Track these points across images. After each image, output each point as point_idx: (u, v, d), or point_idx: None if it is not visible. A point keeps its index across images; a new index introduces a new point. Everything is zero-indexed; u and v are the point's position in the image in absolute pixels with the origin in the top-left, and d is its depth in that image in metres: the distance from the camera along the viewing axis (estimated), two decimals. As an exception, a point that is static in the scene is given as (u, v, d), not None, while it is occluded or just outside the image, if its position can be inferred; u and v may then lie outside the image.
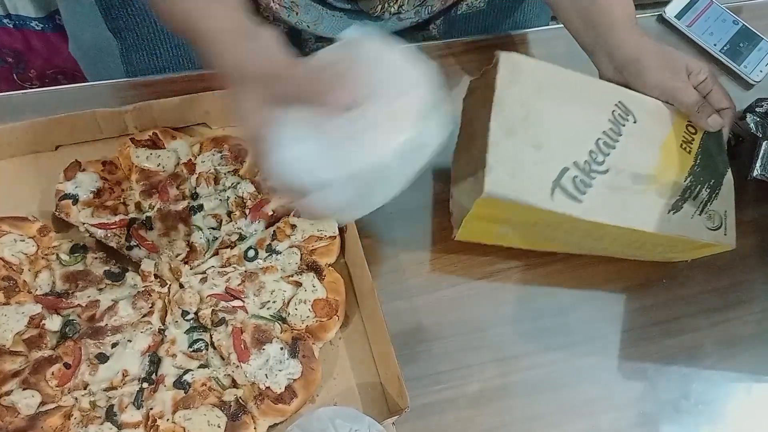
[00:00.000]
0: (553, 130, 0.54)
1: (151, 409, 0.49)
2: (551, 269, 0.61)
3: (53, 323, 0.51)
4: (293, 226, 0.57)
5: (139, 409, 0.49)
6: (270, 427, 0.51)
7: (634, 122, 0.57)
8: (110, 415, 0.48)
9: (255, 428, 0.50)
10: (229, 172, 0.59)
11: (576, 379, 0.57)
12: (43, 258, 0.54)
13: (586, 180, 0.53)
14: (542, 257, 0.61)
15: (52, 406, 0.48)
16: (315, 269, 0.56)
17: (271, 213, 0.58)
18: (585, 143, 0.54)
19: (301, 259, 0.56)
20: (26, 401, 0.48)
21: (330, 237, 0.57)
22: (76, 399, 0.49)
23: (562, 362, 0.58)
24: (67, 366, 0.50)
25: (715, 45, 0.76)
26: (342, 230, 0.58)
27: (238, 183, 0.58)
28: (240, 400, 0.50)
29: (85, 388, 0.50)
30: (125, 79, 0.66)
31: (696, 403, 0.57)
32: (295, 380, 0.51)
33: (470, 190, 0.54)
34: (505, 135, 0.52)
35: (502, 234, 0.58)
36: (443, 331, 0.58)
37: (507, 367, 0.57)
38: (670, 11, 0.78)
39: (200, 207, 0.57)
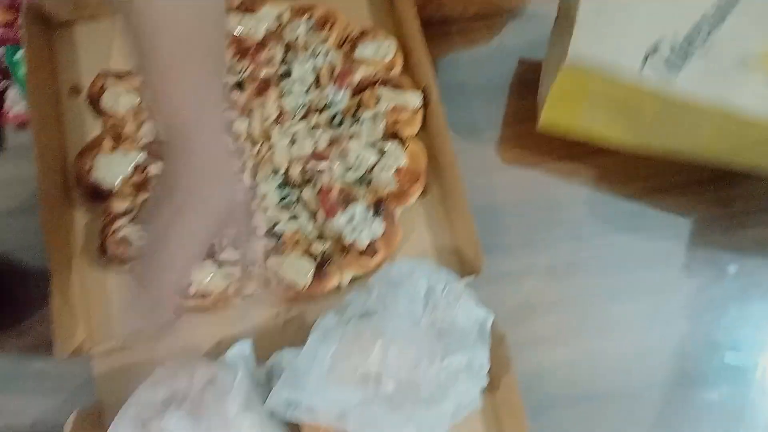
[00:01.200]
0: None
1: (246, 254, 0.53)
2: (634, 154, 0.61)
3: (157, 169, 0.55)
4: (378, 96, 0.58)
5: (236, 249, 0.53)
6: (352, 279, 0.55)
7: None
8: (211, 253, 0.53)
9: (339, 278, 0.54)
10: (318, 41, 0.60)
11: (647, 261, 0.58)
12: (146, 110, 0.57)
13: (684, 54, 0.49)
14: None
15: (158, 244, 0.53)
16: (398, 138, 0.57)
17: (357, 82, 0.59)
18: (688, 14, 0.50)
19: (385, 128, 0.58)
20: (137, 235, 0.52)
21: (413, 109, 0.58)
22: (179, 239, 0.53)
23: (634, 244, 0.59)
24: (170, 210, 0.54)
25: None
26: (426, 103, 0.59)
27: (326, 52, 0.60)
28: (326, 252, 0.54)
29: (186, 231, 0.54)
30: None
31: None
32: (377, 238, 0.54)
33: (555, 67, 0.53)
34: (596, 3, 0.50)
35: (587, 124, 0.56)
36: (518, 207, 0.59)
37: (578, 244, 0.58)
38: None
39: (289, 73, 0.59)
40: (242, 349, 0.48)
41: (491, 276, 0.55)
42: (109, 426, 0.45)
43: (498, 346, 0.50)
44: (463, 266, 0.56)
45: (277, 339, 0.52)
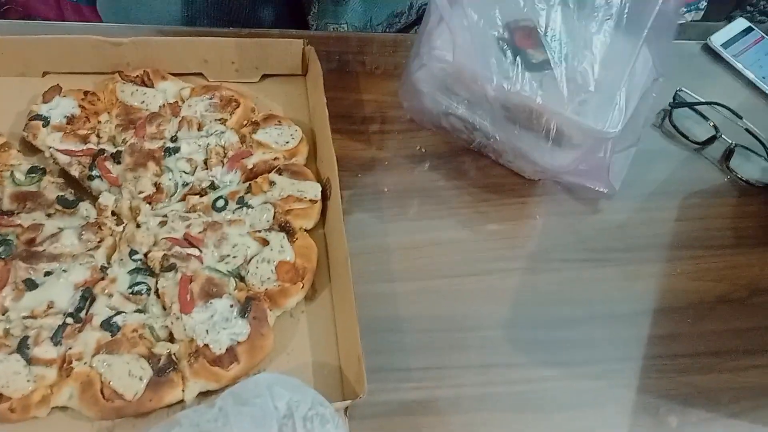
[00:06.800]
0: None
1: (70, 348, 0.43)
2: (561, 277, 0.54)
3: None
4: (272, 183, 0.51)
5: (56, 345, 0.42)
6: (201, 393, 0.43)
7: None
8: (22, 346, 0.42)
9: (183, 390, 0.42)
10: (215, 119, 0.55)
11: (571, 403, 0.48)
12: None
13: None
14: (552, 263, 0.54)
15: (-38, 327, 0.42)
16: (287, 230, 0.50)
17: (251, 167, 0.53)
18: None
19: (273, 218, 0.50)
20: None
21: (310, 200, 0.51)
22: (-10, 323, 0.43)
23: (556, 381, 0.49)
24: (-11, 287, 0.44)
25: (763, 78, 0.71)
26: (325, 196, 0.52)
27: (223, 132, 0.54)
28: (173, 355, 0.43)
29: (3, 314, 0.43)
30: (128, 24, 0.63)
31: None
32: (239, 343, 0.44)
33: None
34: None
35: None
36: (423, 324, 0.50)
37: (491, 376, 0.48)
38: (716, 40, 0.73)
39: (177, 149, 0.52)
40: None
41: (382, 404, 0.45)
42: None
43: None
44: (346, 389, 0.45)
45: (87, 467, 0.39)
